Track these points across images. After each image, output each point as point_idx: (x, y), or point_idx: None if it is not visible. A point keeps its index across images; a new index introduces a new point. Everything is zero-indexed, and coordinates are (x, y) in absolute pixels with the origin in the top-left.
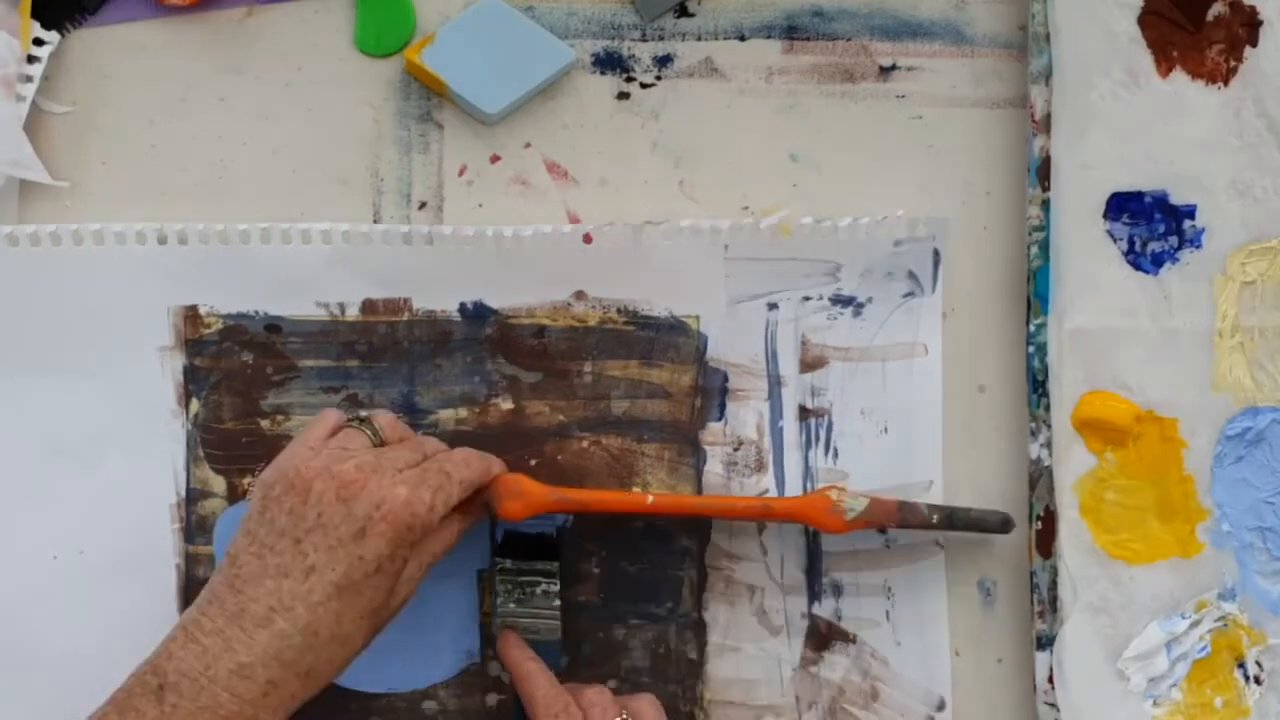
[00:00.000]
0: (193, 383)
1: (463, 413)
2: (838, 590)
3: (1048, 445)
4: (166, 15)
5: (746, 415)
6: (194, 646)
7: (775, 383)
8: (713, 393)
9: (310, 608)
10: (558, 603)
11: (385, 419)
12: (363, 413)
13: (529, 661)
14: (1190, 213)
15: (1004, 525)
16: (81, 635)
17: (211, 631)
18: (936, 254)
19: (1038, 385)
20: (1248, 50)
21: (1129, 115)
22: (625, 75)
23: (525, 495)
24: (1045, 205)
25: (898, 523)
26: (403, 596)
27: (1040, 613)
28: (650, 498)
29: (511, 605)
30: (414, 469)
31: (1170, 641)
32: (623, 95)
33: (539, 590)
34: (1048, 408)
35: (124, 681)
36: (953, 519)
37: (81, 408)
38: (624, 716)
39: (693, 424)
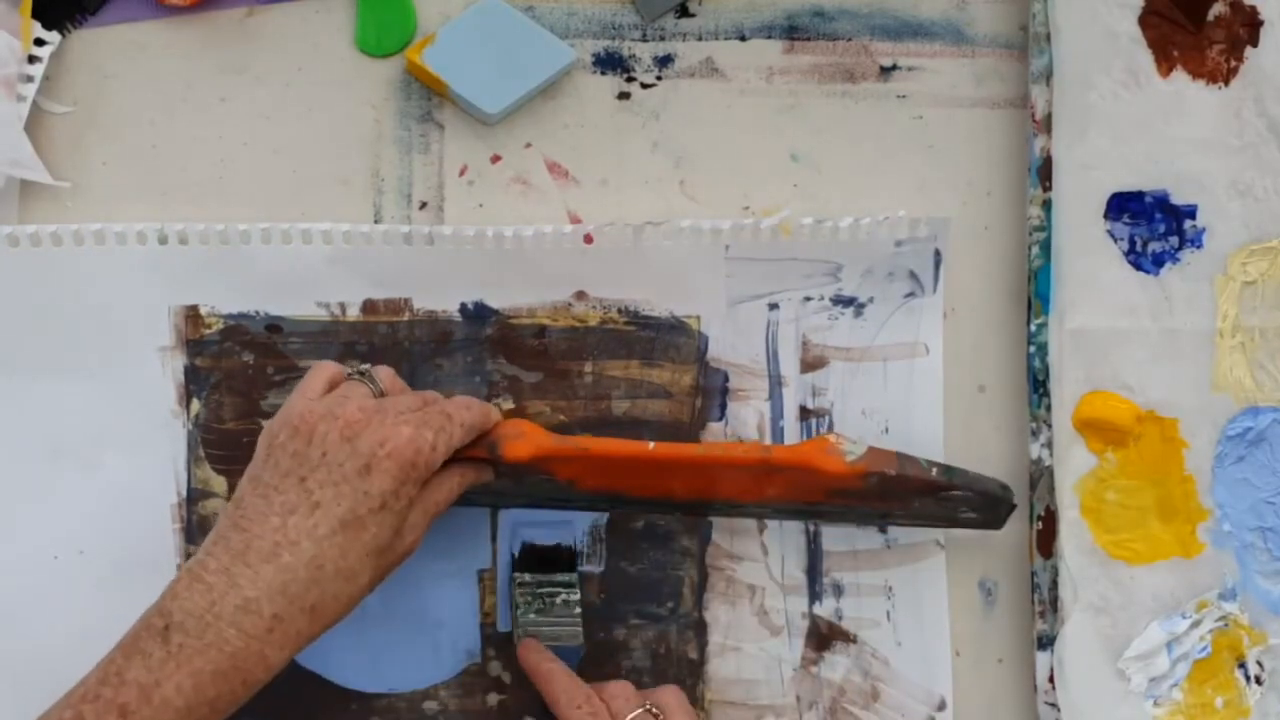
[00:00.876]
0: (193, 383)
1: None
2: (838, 590)
3: (1048, 445)
4: (167, 15)
5: (747, 415)
6: (199, 586)
7: (776, 383)
8: (713, 393)
9: (316, 542)
10: (579, 610)
11: (385, 372)
12: (363, 366)
13: (547, 662)
14: (1191, 213)
15: (1004, 490)
16: (82, 635)
17: (216, 570)
18: (937, 254)
19: (1038, 385)
20: (1248, 50)
21: (1130, 115)
22: (626, 75)
23: (528, 435)
24: (1046, 205)
25: (896, 469)
26: (408, 543)
27: (1041, 613)
28: (651, 444)
29: (532, 615)
30: (416, 412)
31: (1171, 641)
32: (623, 95)
33: (559, 600)
34: (1048, 408)
35: (131, 627)
36: (950, 475)
37: (82, 408)
38: (647, 707)
39: (693, 424)
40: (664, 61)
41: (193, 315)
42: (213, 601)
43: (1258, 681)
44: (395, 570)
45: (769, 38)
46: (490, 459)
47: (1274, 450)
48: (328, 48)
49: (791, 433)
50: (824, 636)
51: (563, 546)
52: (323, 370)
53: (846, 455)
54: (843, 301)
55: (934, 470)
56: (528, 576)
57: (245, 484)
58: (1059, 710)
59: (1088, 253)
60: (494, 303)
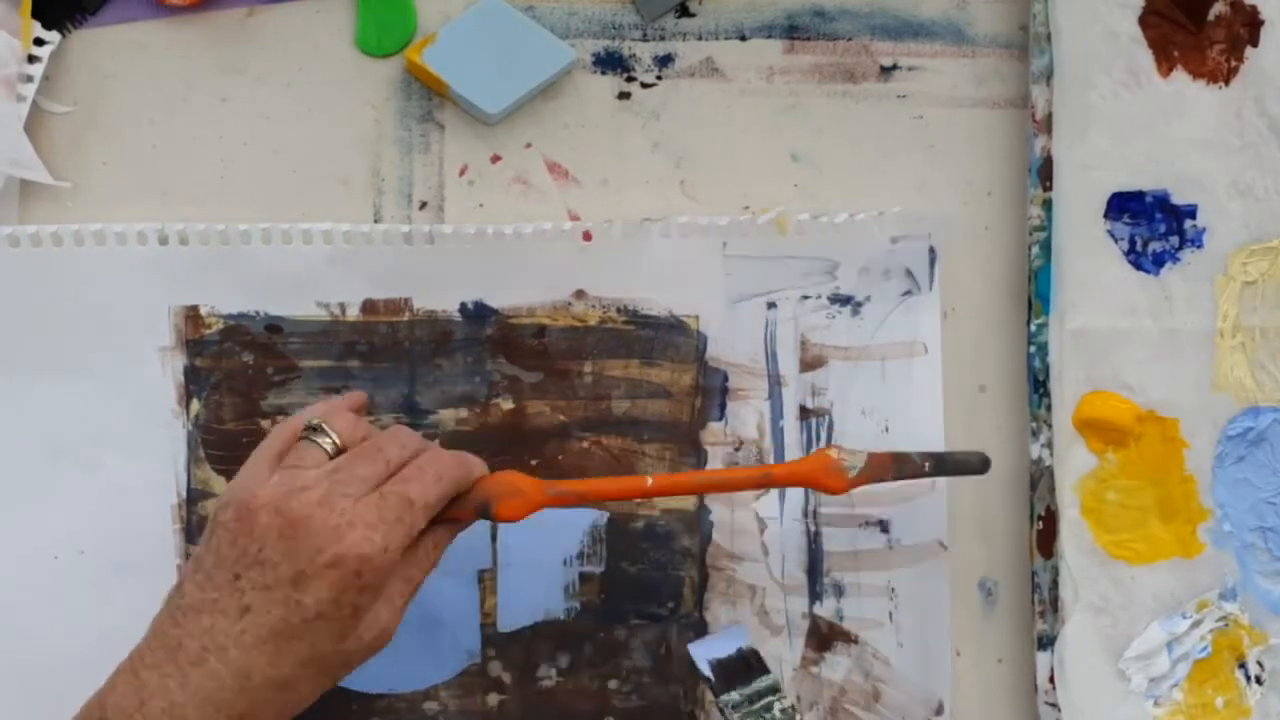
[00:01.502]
0: (193, 383)
1: (463, 413)
2: (839, 590)
3: (1049, 445)
4: (167, 15)
5: (747, 415)
6: (134, 681)
7: (775, 382)
8: (713, 392)
9: (243, 650)
10: (796, 715)
11: (342, 421)
12: (314, 420)
13: None
14: (1191, 212)
15: (984, 465)
16: (81, 636)
17: (150, 665)
18: (932, 251)
19: (1039, 385)
20: (1249, 50)
21: (1130, 115)
22: (626, 75)
23: (522, 492)
24: (1046, 205)
25: (893, 474)
26: (368, 640)
27: (1041, 613)
28: (650, 479)
29: None
30: (371, 497)
31: (1171, 641)
32: (623, 95)
33: (776, 711)
34: (1049, 408)
35: (76, 713)
36: (941, 464)
37: (82, 408)
38: None
39: (693, 424)
40: (664, 61)
41: (193, 315)
42: (142, 701)
43: (1258, 681)
44: (366, 662)
45: (769, 37)
46: (481, 517)
47: (1274, 450)
48: (328, 48)
49: (791, 432)
50: (825, 637)
51: (744, 649)
52: (283, 432)
53: (849, 472)
54: (840, 300)
55: (927, 465)
56: (735, 695)
57: (190, 562)
58: (1059, 710)
59: (1088, 253)
60: (494, 302)
